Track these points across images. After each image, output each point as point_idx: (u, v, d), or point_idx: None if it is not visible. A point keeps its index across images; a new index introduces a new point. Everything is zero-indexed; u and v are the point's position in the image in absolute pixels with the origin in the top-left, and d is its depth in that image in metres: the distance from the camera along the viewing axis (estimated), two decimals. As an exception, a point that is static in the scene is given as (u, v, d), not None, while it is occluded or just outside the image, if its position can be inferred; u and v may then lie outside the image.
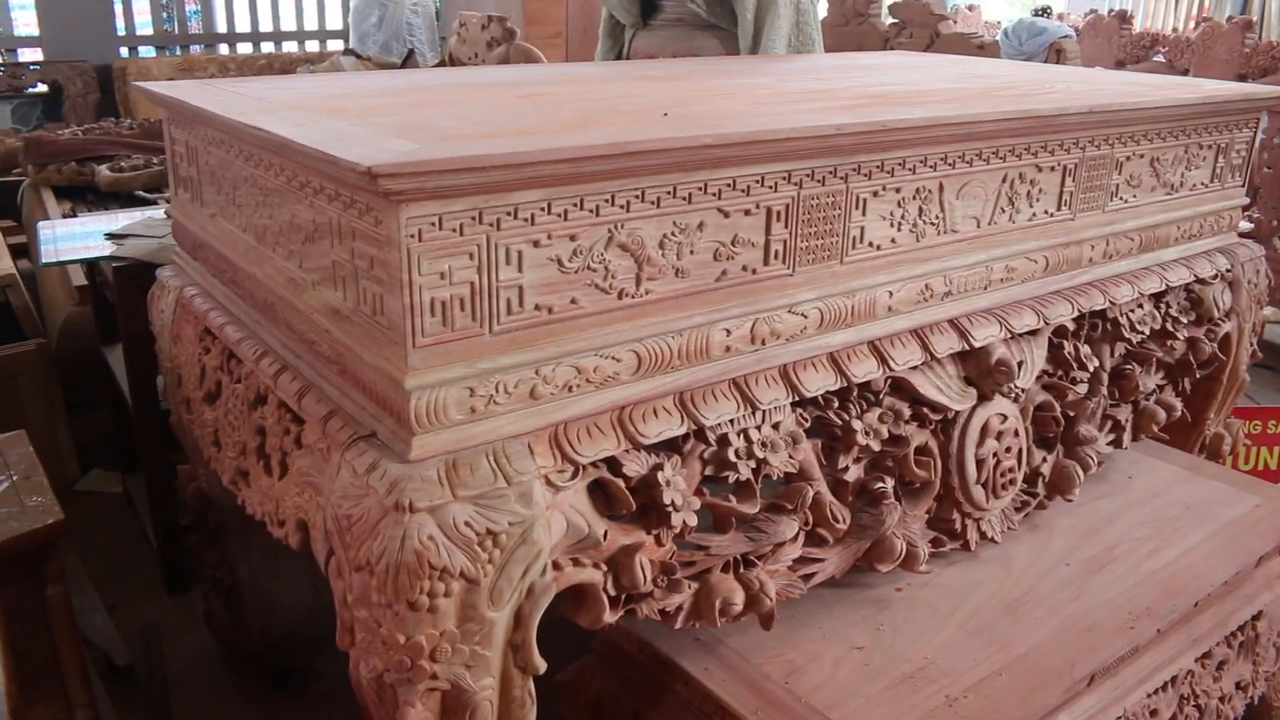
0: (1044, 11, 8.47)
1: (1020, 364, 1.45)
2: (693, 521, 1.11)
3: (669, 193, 1.05)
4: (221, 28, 6.41)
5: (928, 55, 2.45)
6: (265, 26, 6.51)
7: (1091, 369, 1.60)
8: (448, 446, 0.97)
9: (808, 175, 1.16)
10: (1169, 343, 1.75)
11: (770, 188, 1.13)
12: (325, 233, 1.06)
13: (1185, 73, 3.65)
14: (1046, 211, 1.49)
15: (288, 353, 1.20)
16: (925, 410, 1.36)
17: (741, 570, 1.21)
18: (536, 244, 0.98)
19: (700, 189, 1.07)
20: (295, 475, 1.14)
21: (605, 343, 1.05)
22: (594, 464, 1.05)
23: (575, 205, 0.99)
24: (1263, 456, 2.35)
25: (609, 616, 1.09)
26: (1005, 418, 1.45)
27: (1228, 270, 1.82)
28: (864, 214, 1.24)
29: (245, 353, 1.27)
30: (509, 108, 1.25)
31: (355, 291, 1.02)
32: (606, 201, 1.01)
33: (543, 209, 0.97)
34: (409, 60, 4.31)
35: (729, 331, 1.13)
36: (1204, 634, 1.57)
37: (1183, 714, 1.54)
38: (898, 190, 1.27)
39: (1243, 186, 1.87)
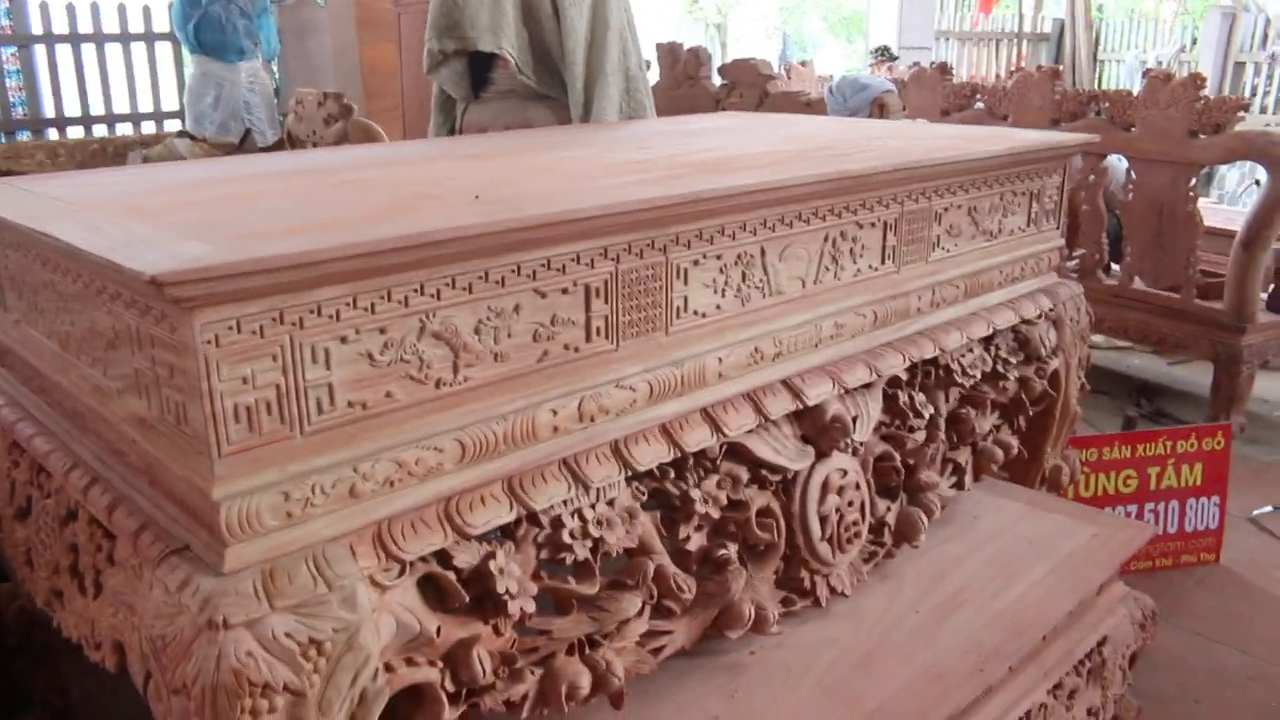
0: (883, 51, 8.82)
1: (855, 418, 1.47)
2: (531, 608, 1.09)
3: (481, 278, 1.04)
4: (49, 112, 6.22)
5: (753, 116, 2.50)
6: (96, 109, 6.34)
7: (928, 416, 1.64)
8: (264, 555, 0.94)
9: (624, 249, 1.17)
10: (1001, 383, 1.81)
11: (587, 265, 1.13)
12: (125, 340, 1.02)
13: (1005, 118, 3.82)
14: (870, 266, 1.52)
15: (99, 464, 1.14)
16: (764, 472, 1.37)
17: (587, 651, 1.19)
18: (344, 340, 0.96)
19: (513, 271, 1.07)
20: (109, 594, 1.08)
21: (425, 434, 1.03)
22: (422, 559, 1.02)
23: (382, 297, 0.97)
24: (1101, 483, 2.44)
25: (449, 715, 1.06)
26: (845, 472, 1.48)
27: (1051, 309, 1.89)
28: (686, 283, 1.25)
29: (55, 466, 1.21)
30: (318, 198, 1.23)
31: (159, 400, 0.98)
32: (415, 291, 1.00)
33: (347, 304, 0.95)
34: (246, 140, 4.23)
35: (555, 412, 1.13)
36: (1053, 666, 1.61)
37: (1039, 749, 1.57)
38: (719, 257, 1.28)
39: (1058, 229, 1.95)
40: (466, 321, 1.04)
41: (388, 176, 1.39)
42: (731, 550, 1.34)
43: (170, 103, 6.50)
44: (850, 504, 1.49)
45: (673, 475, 1.26)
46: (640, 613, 1.24)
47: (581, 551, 1.14)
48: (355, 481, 0.98)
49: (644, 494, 1.23)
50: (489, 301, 1.06)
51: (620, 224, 1.14)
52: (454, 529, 1.04)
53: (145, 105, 6.49)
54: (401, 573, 1.01)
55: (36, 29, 6.15)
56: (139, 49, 6.44)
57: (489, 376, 1.07)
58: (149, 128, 6.35)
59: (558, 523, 1.13)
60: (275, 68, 6.28)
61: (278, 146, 4.14)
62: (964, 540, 1.78)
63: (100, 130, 6.18)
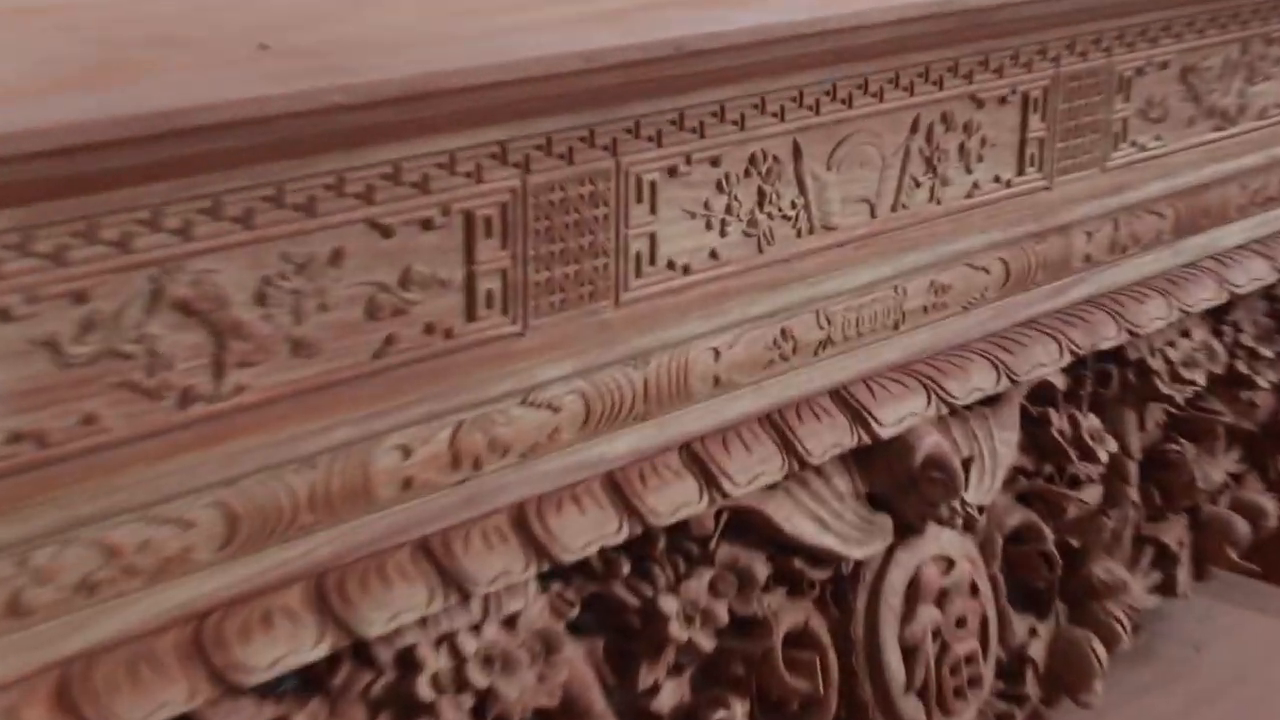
0: None
1: (970, 462, 1.48)
2: (357, 823, 1.10)
3: (269, 198, 1.04)
4: None
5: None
6: None
7: (1106, 457, 1.65)
8: None
9: (539, 147, 1.18)
10: (1243, 395, 1.82)
11: (468, 175, 1.14)
12: None
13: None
14: (998, 178, 1.54)
15: None
16: (799, 563, 1.38)
17: None
18: (5, 315, 0.96)
19: (330, 186, 1.07)
20: None
21: (160, 494, 1.03)
22: (149, 733, 1.03)
23: (80, 236, 0.97)
24: None
25: None
26: (951, 563, 1.49)
27: (1336, 259, 1.91)
28: (653, 209, 1.26)
29: None
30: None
31: None
32: (143, 224, 0.99)
33: (13, 247, 0.95)
34: None
35: (407, 451, 1.13)
36: None
37: None
38: (714, 163, 1.29)
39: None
40: (241, 280, 1.04)
41: (101, 5, 1.39)
42: (736, 712, 1.35)
43: None
44: (961, 623, 1.50)
45: (628, 570, 1.27)
46: (566, 832, 1.25)
47: (453, 717, 1.14)
48: (22, 586, 0.98)
49: (573, 606, 1.24)
50: (284, 243, 1.06)
51: (533, 99, 1.15)
52: (212, 675, 1.04)
53: None
54: (108, 761, 1.01)
55: None
56: None
57: (283, 384, 1.08)
58: None
59: (409, 661, 1.13)
60: None
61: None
62: (1178, 690, 1.80)
63: None
